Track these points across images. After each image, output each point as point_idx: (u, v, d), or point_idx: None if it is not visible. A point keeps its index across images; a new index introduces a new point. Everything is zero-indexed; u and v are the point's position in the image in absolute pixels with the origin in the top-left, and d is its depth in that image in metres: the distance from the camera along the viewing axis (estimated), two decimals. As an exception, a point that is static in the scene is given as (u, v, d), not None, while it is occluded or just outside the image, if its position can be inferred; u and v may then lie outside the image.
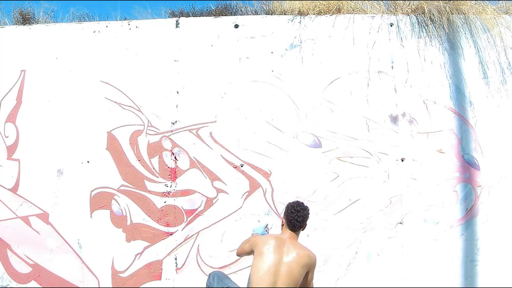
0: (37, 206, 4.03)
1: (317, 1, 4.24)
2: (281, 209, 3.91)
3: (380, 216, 4.00)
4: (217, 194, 4.00)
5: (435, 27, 4.19)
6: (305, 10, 4.21)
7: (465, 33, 4.24)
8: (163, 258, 3.98)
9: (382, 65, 4.14)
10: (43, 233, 4.01)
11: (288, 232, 2.97)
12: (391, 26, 4.21)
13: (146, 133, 4.08)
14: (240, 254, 3.22)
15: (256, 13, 4.46)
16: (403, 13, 4.26)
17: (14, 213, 4.03)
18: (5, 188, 4.06)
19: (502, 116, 4.13)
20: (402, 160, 4.06)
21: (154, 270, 3.97)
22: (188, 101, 4.10)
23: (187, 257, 3.97)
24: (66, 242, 4.00)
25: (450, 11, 4.18)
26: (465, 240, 4.01)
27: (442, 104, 4.12)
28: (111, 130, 4.08)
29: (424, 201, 4.02)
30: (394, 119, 4.10)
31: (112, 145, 4.07)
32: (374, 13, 4.26)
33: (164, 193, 4.02)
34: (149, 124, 4.08)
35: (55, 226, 4.01)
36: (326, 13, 4.23)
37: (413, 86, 4.13)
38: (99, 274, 3.97)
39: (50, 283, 3.97)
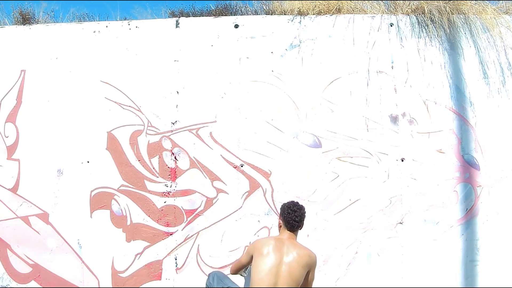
0: (37, 206, 4.03)
1: (317, 1, 4.24)
2: (281, 209, 3.93)
3: (380, 216, 4.00)
4: (217, 194, 4.00)
5: (435, 27, 4.19)
6: (305, 10, 4.21)
7: (465, 33, 4.24)
8: (163, 258, 3.98)
9: (382, 65, 4.14)
10: (43, 233, 4.01)
11: (286, 233, 2.96)
12: (391, 26, 4.21)
13: (146, 133, 4.08)
14: (237, 270, 3.14)
15: (256, 13, 4.46)
16: (403, 13, 4.26)
17: (14, 213, 4.03)
18: (5, 188, 4.06)
19: (502, 116, 4.13)
20: (402, 160, 4.06)
21: (154, 270, 3.97)
22: (188, 101, 4.10)
23: (187, 257, 3.97)
24: (66, 242, 4.00)
25: (450, 11, 4.18)
26: (465, 240, 4.01)
27: (442, 104, 4.12)
28: (111, 130, 4.08)
29: (424, 201, 4.02)
30: (394, 119, 4.10)
31: (112, 145, 4.07)
32: (374, 13, 4.26)
33: (164, 193, 4.03)
34: (149, 124, 4.08)
35: (55, 226, 4.01)
36: (326, 13, 4.23)
37: (413, 86, 4.13)
38: (99, 274, 3.97)
39: (50, 283, 3.97)
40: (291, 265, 2.77)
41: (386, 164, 4.05)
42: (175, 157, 4.06)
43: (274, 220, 3.92)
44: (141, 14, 4.45)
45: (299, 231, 3.06)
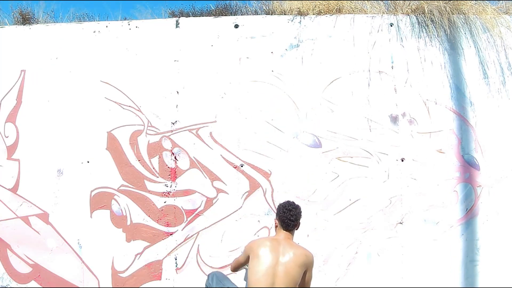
0: (37, 206, 4.03)
1: (317, 1, 4.24)
2: (281, 209, 3.92)
3: (380, 216, 4.00)
4: (217, 194, 4.00)
5: (435, 27, 4.19)
6: (305, 10, 4.21)
7: (465, 33, 4.24)
8: (163, 258, 3.98)
9: (382, 65, 4.14)
10: (43, 233, 4.01)
11: (283, 233, 2.95)
12: (391, 26, 4.21)
13: (146, 133, 4.08)
14: (236, 268, 3.16)
15: (256, 13, 4.46)
16: (403, 13, 4.26)
17: (14, 213, 4.03)
18: (5, 188, 4.06)
19: (502, 116, 4.13)
20: (402, 160, 4.06)
21: (154, 270, 3.97)
22: (188, 101, 4.10)
23: (187, 257, 3.97)
24: (66, 242, 4.00)
25: (450, 11, 4.18)
26: (465, 240, 4.01)
27: (442, 104, 4.12)
28: (111, 130, 4.08)
29: (424, 201, 4.02)
30: (394, 119, 4.10)
31: (112, 145, 4.07)
32: (374, 13, 4.26)
33: (164, 193, 4.02)
34: (149, 124, 4.08)
35: (55, 226, 4.01)
36: (326, 13, 4.23)
37: (413, 86, 4.13)
38: (99, 274, 3.97)
39: (50, 283, 3.97)
40: (287, 265, 2.76)
41: (386, 164, 4.05)
42: (175, 157, 4.06)
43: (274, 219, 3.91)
44: (141, 14, 4.46)
45: (296, 231, 3.05)
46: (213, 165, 4.03)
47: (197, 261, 3.96)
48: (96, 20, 4.36)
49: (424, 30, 4.22)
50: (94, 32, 4.19)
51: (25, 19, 4.40)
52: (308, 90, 4.10)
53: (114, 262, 3.98)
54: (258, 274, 2.75)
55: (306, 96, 4.09)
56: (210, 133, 4.06)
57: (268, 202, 3.97)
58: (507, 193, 4.06)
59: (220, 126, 4.06)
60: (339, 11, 4.25)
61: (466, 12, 4.24)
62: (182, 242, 3.98)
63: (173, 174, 4.03)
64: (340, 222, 3.99)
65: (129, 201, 4.01)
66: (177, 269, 3.97)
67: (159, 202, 4.02)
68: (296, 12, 4.23)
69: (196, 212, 4.00)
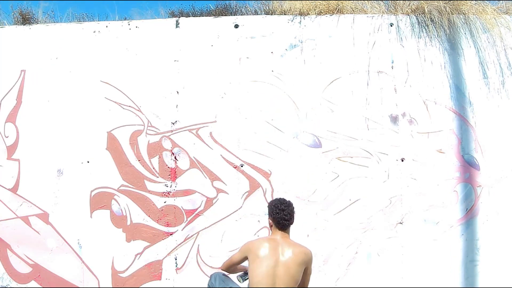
0: (37, 206, 4.03)
1: (317, 1, 4.24)
2: (281, 209, 3.92)
3: (380, 216, 4.00)
4: (217, 194, 4.00)
5: (435, 27, 4.19)
6: (305, 10, 4.21)
7: (465, 33, 4.24)
8: (163, 258, 3.98)
9: (382, 65, 4.14)
10: (43, 233, 4.01)
11: (279, 233, 2.93)
12: (391, 26, 4.21)
13: (146, 133, 4.08)
14: (228, 267, 3.11)
15: (256, 13, 4.46)
16: (403, 13, 4.26)
17: (14, 213, 4.03)
18: (5, 188, 4.06)
19: (502, 116, 4.14)
20: (402, 160, 4.06)
21: (154, 270, 3.97)
22: (188, 101, 4.10)
23: (187, 257, 3.97)
24: (66, 242, 3.99)
25: (450, 11, 4.18)
26: (465, 240, 4.01)
27: (442, 104, 4.12)
28: (111, 130, 4.08)
29: (424, 201, 4.02)
30: (394, 119, 4.10)
31: (112, 145, 4.07)
32: (374, 13, 4.26)
33: (164, 193, 4.02)
34: (149, 124, 4.08)
35: (55, 226, 4.01)
36: (326, 13, 4.23)
37: (413, 86, 4.13)
38: (99, 274, 3.97)
39: (50, 283, 3.97)
40: (287, 265, 2.77)
41: (386, 164, 4.05)
42: (175, 157, 4.05)
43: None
44: (141, 14, 4.46)
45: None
46: (213, 165, 4.03)
47: (197, 261, 3.96)
48: (96, 20, 4.36)
49: (424, 30, 4.22)
50: (94, 32, 4.19)
51: (25, 19, 4.40)
52: (308, 90, 4.10)
53: (114, 262, 3.97)
54: (259, 276, 2.75)
55: (306, 96, 4.09)
56: (210, 133, 4.06)
57: (268, 202, 3.96)
58: (507, 193, 4.06)
59: (220, 126, 4.06)
60: (339, 11, 4.25)
61: (466, 12, 4.24)
62: (182, 242, 3.98)
63: (173, 174, 4.03)
64: (340, 222, 3.99)
65: (129, 201, 4.01)
66: (177, 269, 3.97)
67: (159, 202, 4.02)
68: (296, 12, 4.22)
69: (196, 212, 4.00)
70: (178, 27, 4.18)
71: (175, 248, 3.98)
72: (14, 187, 4.05)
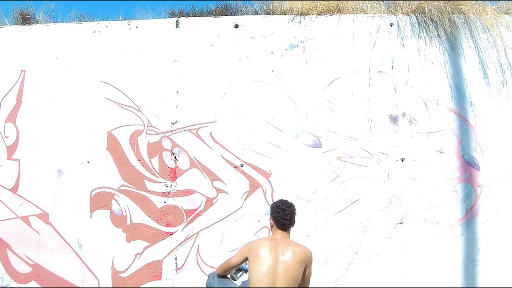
0: (37, 206, 4.03)
1: (317, 1, 4.24)
2: (281, 209, 3.92)
3: (380, 216, 4.00)
4: (217, 194, 4.00)
5: (435, 27, 4.19)
6: (305, 10, 4.21)
7: (465, 33, 4.24)
8: (163, 258, 3.98)
9: (382, 65, 4.14)
10: (43, 233, 4.01)
11: (279, 232, 2.96)
12: (391, 26, 4.21)
13: (146, 133, 4.08)
14: (225, 270, 3.11)
15: (256, 13, 4.46)
16: (403, 13, 4.26)
17: (14, 213, 4.03)
18: (5, 188, 4.06)
19: (502, 116, 4.13)
20: (402, 160, 4.05)
21: (154, 270, 3.97)
22: (188, 101, 4.10)
23: (187, 257, 3.97)
24: (66, 242, 4.00)
25: (451, 11, 4.18)
26: (465, 240, 4.01)
27: (442, 104, 4.12)
28: (111, 130, 4.08)
29: (424, 201, 4.02)
30: (394, 119, 4.10)
31: (112, 145, 4.07)
32: (374, 13, 4.26)
33: (164, 193, 4.02)
34: (149, 124, 4.08)
35: (55, 226, 4.01)
36: (326, 13, 4.23)
37: (413, 86, 4.13)
38: (99, 274, 3.97)
39: (50, 283, 3.97)
40: (288, 264, 2.79)
41: (386, 164, 4.05)
42: (175, 157, 4.05)
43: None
44: (141, 14, 4.47)
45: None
46: (213, 165, 4.03)
47: (197, 261, 3.96)
48: (96, 20, 4.36)
49: (424, 30, 4.22)
50: (94, 32, 4.19)
51: (25, 19, 4.40)
52: (308, 90, 4.10)
53: (114, 262, 3.98)
54: (259, 274, 2.77)
55: (306, 96, 4.09)
56: (210, 133, 4.06)
57: (268, 202, 3.97)
58: (507, 193, 4.06)
59: (220, 126, 4.06)
60: (339, 11, 4.25)
61: (466, 12, 4.24)
62: (182, 242, 3.98)
63: (173, 174, 4.03)
64: (340, 222, 3.99)
65: (129, 201, 4.01)
66: (177, 269, 3.97)
67: (159, 202, 4.02)
68: (296, 12, 4.22)
69: (196, 212, 4.00)
70: (178, 27, 4.18)
71: (175, 248, 3.98)
72: (14, 187, 4.05)
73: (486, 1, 4.33)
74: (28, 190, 4.04)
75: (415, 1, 4.29)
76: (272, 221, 3.03)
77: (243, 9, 4.52)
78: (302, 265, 2.84)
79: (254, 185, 4.00)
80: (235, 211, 3.98)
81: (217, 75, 4.11)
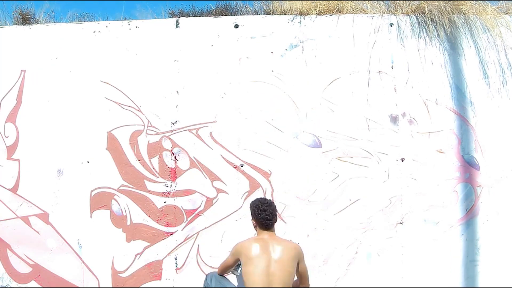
0: (37, 206, 4.03)
1: (317, 1, 4.24)
2: (281, 210, 3.93)
3: (380, 216, 4.00)
4: (217, 194, 4.00)
5: (435, 27, 4.19)
6: (305, 10, 4.21)
7: (465, 33, 4.24)
8: (163, 258, 3.98)
9: (382, 65, 4.14)
10: (43, 233, 4.01)
11: (265, 233, 2.95)
12: (391, 26, 4.21)
13: (146, 133, 4.08)
14: (224, 271, 3.16)
15: (256, 13, 4.46)
16: (403, 13, 4.26)
17: (14, 213, 4.03)
18: (5, 188, 4.06)
19: (502, 116, 4.13)
20: (402, 160, 4.05)
21: (154, 270, 3.97)
22: (188, 101, 4.10)
23: (187, 257, 3.97)
24: (66, 242, 4.00)
25: (451, 11, 4.17)
26: (465, 240, 4.01)
27: (442, 104, 4.12)
28: (111, 130, 4.08)
29: (424, 201, 4.02)
30: (394, 119, 4.10)
31: (112, 145, 4.07)
32: (374, 13, 4.26)
33: (164, 193, 4.03)
34: (149, 124, 4.08)
35: (55, 226, 4.01)
36: (326, 13, 4.23)
37: (413, 86, 4.13)
38: (99, 274, 3.97)
39: (50, 283, 3.97)
40: (281, 262, 2.80)
41: (386, 164, 4.05)
42: (175, 157, 4.06)
43: (274, 220, 3.91)
44: (141, 14, 4.47)
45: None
46: (213, 165, 4.03)
47: (197, 261, 3.96)
48: (96, 20, 4.36)
49: (424, 30, 4.22)
50: (94, 32, 4.19)
51: (25, 19, 4.40)
52: (308, 90, 4.10)
53: (114, 262, 3.98)
54: (254, 276, 2.77)
55: (306, 96, 4.09)
56: (210, 133, 4.06)
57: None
58: (507, 193, 4.06)
59: (220, 126, 4.06)
60: (339, 11, 4.25)
61: (466, 12, 4.24)
62: (182, 242, 3.99)
63: (173, 174, 4.03)
64: (340, 222, 3.99)
65: (129, 201, 4.02)
66: (177, 269, 3.97)
67: (159, 202, 4.02)
68: (296, 12, 4.22)
69: (196, 212, 4.00)
70: (178, 27, 4.18)
71: (175, 248, 3.98)
72: (14, 187, 4.05)
73: (486, 1, 4.34)
74: (28, 190, 4.04)
75: (415, 1, 4.28)
76: (254, 222, 3.00)
77: (243, 9, 4.52)
78: (295, 260, 2.86)
79: (254, 185, 4.00)
80: (235, 211, 3.98)
81: (217, 75, 4.11)
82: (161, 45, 4.15)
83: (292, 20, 4.20)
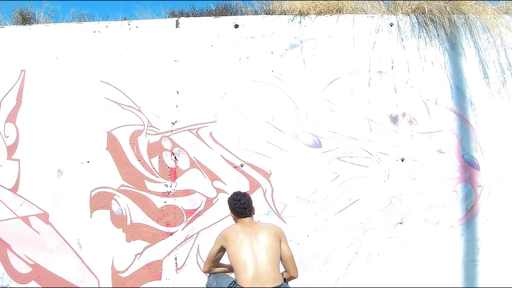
0: (37, 206, 4.03)
1: (317, 1, 4.24)
2: (281, 210, 3.94)
3: (380, 216, 4.00)
4: (217, 194, 4.00)
5: (435, 27, 4.19)
6: (305, 10, 4.21)
7: (465, 33, 4.24)
8: (163, 258, 3.98)
9: (382, 65, 4.14)
10: (43, 233, 4.01)
11: (243, 220, 3.06)
12: (391, 26, 4.21)
13: (146, 133, 4.08)
14: (210, 265, 3.17)
15: (256, 13, 4.46)
16: (403, 13, 4.26)
17: (14, 213, 4.03)
18: (5, 188, 4.06)
19: (502, 116, 4.13)
20: (402, 160, 4.05)
21: (154, 270, 3.97)
22: (188, 101, 4.09)
23: (187, 257, 3.97)
24: (66, 242, 4.00)
25: (451, 11, 4.17)
26: (465, 240, 4.01)
27: (443, 104, 4.12)
28: (111, 130, 4.08)
29: (424, 201, 4.02)
30: (394, 119, 4.10)
31: (112, 145, 4.07)
32: (374, 13, 4.26)
33: (164, 193, 4.02)
34: (149, 124, 4.08)
35: (55, 226, 4.01)
36: (326, 13, 4.23)
37: (413, 86, 4.13)
38: (99, 274, 3.97)
39: (50, 283, 3.97)
40: (263, 240, 2.90)
41: (386, 164, 4.05)
42: (175, 157, 4.05)
43: (274, 220, 3.92)
44: (141, 14, 4.46)
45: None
46: (213, 165, 4.03)
47: (197, 261, 3.96)
48: (96, 20, 4.36)
49: (424, 30, 4.22)
50: (94, 32, 4.19)
51: (25, 19, 4.39)
52: (308, 90, 4.10)
53: (114, 262, 3.98)
54: (241, 256, 2.85)
55: (306, 96, 4.09)
56: (210, 133, 4.06)
57: (268, 202, 3.97)
58: (507, 193, 4.06)
59: (220, 126, 4.06)
60: (339, 11, 4.25)
61: (466, 12, 4.24)
62: (182, 242, 3.99)
63: (173, 174, 4.03)
64: (340, 222, 3.99)
65: (129, 201, 4.01)
66: (177, 269, 3.97)
67: (159, 202, 4.02)
68: (296, 12, 4.22)
69: (196, 212, 4.00)
70: (178, 27, 4.18)
71: (175, 248, 3.98)
72: (14, 187, 4.05)
73: (486, 1, 4.34)
74: (28, 190, 4.04)
75: (415, 1, 4.28)
76: (233, 215, 3.13)
77: (243, 9, 4.52)
78: (277, 238, 2.95)
79: (254, 185, 4.00)
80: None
81: (217, 75, 4.11)
82: (161, 45, 4.14)
83: (292, 20, 4.20)
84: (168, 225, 4.00)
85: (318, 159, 4.03)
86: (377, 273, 3.95)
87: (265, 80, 4.11)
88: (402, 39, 4.19)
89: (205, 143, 4.05)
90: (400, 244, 3.99)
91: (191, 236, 3.98)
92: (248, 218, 3.06)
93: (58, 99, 4.12)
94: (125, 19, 4.33)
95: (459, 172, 4.06)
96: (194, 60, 4.13)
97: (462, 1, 4.24)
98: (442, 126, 4.09)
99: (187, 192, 4.02)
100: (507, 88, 4.19)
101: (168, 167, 4.04)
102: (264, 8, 4.43)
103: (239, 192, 3.18)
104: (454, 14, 4.20)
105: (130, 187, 4.03)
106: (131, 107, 4.10)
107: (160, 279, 3.97)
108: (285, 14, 4.25)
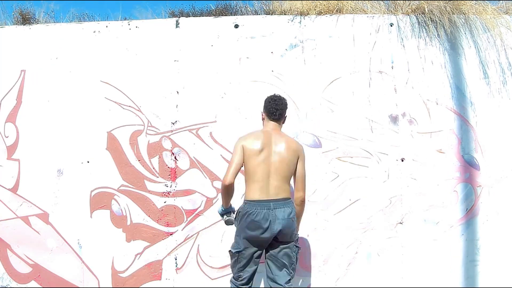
0: (37, 206, 4.03)
1: (317, 1, 4.24)
2: (281, 209, 3.92)
3: (380, 216, 4.00)
4: (217, 194, 4.00)
5: (435, 27, 4.19)
6: (305, 10, 4.21)
7: (465, 33, 4.24)
8: (163, 258, 3.98)
9: (382, 65, 4.14)
10: (43, 233, 4.01)
11: (271, 124, 3.16)
12: (391, 26, 4.21)
13: (146, 133, 4.08)
14: (235, 173, 3.05)
15: (256, 13, 4.46)
16: (403, 13, 4.26)
17: (14, 213, 4.03)
18: (5, 188, 4.06)
19: (502, 116, 4.13)
20: (402, 160, 4.05)
21: (154, 270, 3.98)
22: (188, 101, 4.10)
23: (187, 257, 3.97)
24: (66, 242, 4.00)
25: (451, 11, 4.17)
26: (465, 240, 4.01)
27: (443, 104, 4.12)
28: (111, 130, 4.08)
29: (424, 201, 4.02)
30: (394, 119, 4.10)
31: (112, 145, 4.07)
32: (374, 13, 4.26)
33: (164, 193, 4.03)
34: (149, 124, 4.08)
35: (55, 226, 4.01)
36: (326, 13, 4.23)
37: (413, 86, 4.13)
38: (99, 274, 3.98)
39: (50, 283, 3.97)
40: (281, 153, 2.99)
41: (386, 164, 4.05)
42: (175, 157, 4.06)
43: (274, 220, 3.91)
44: (141, 14, 4.46)
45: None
46: (213, 165, 4.03)
47: (197, 261, 3.97)
48: (96, 20, 4.35)
49: (424, 30, 4.22)
50: (94, 32, 4.19)
51: (25, 19, 4.39)
52: (308, 90, 4.10)
53: (114, 262, 3.98)
54: (255, 164, 2.95)
55: (306, 96, 4.09)
56: (210, 133, 4.06)
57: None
58: (507, 193, 4.06)
59: (220, 126, 4.06)
60: (339, 11, 4.25)
61: (466, 12, 4.23)
62: (182, 242, 3.99)
63: (173, 174, 4.03)
64: (340, 222, 3.99)
65: (129, 201, 4.02)
66: (177, 269, 3.97)
67: (159, 202, 4.02)
68: (296, 12, 4.22)
69: (196, 212, 4.00)
70: (178, 27, 4.18)
71: (175, 248, 3.98)
72: (14, 187, 4.05)
73: (486, 1, 4.33)
74: (28, 190, 4.04)
75: (415, 1, 4.28)
76: (263, 114, 3.21)
77: (243, 9, 4.52)
78: (295, 154, 3.03)
79: (254, 185, 4.00)
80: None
81: (217, 75, 4.11)
82: (161, 45, 4.15)
83: (292, 20, 4.20)
84: (168, 225, 4.00)
85: (318, 159, 4.03)
86: (377, 273, 3.96)
87: (265, 80, 4.11)
88: (402, 39, 4.19)
89: (205, 143, 4.05)
90: (400, 244, 3.99)
91: (191, 236, 3.99)
92: (276, 123, 3.15)
93: (58, 99, 4.12)
94: (125, 19, 4.32)
95: (459, 172, 4.06)
96: (194, 60, 4.13)
97: (462, 1, 4.24)
98: (442, 126, 4.09)
99: (187, 192, 4.02)
100: (507, 88, 4.19)
101: (168, 167, 4.05)
102: (264, 8, 4.43)
103: (279, 95, 3.25)
104: (454, 14, 4.20)
105: (130, 187, 4.03)
106: (131, 107, 4.10)
107: (160, 279, 3.97)
108: (285, 14, 4.25)
